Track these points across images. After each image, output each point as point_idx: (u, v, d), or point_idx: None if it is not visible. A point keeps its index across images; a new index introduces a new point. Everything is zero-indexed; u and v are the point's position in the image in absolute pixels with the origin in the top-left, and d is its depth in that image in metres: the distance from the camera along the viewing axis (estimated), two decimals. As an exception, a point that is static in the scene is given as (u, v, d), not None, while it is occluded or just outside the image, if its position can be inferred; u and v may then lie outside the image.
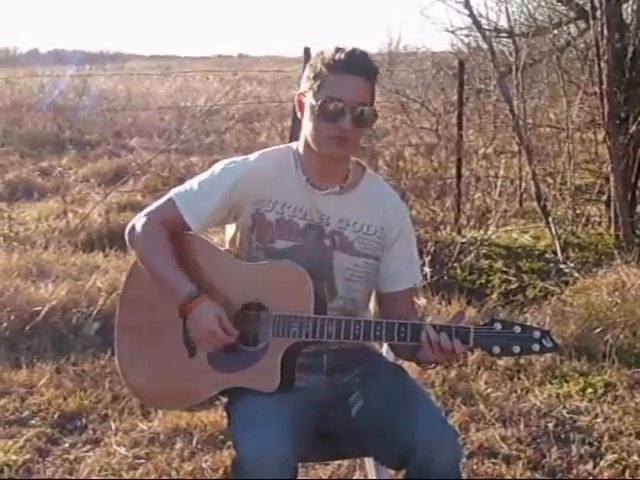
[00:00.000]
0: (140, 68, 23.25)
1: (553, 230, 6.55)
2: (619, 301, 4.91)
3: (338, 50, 2.37)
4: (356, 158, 2.57)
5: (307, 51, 7.13)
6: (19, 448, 3.52)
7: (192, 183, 2.50)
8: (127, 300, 2.59)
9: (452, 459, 2.22)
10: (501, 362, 4.37)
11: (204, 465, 3.39)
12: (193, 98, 14.60)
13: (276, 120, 11.97)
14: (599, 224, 7.02)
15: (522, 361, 4.38)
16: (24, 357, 4.40)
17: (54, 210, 7.65)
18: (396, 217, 2.55)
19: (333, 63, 2.35)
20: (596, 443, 3.62)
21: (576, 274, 5.69)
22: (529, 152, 6.95)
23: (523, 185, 7.65)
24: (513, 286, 5.63)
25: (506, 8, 8.09)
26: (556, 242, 6.38)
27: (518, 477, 3.33)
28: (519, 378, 4.26)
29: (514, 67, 7.17)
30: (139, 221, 2.50)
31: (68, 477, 3.36)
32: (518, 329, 2.20)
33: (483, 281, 5.74)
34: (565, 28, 8.13)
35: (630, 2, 7.06)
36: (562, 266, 5.97)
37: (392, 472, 2.73)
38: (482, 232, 6.41)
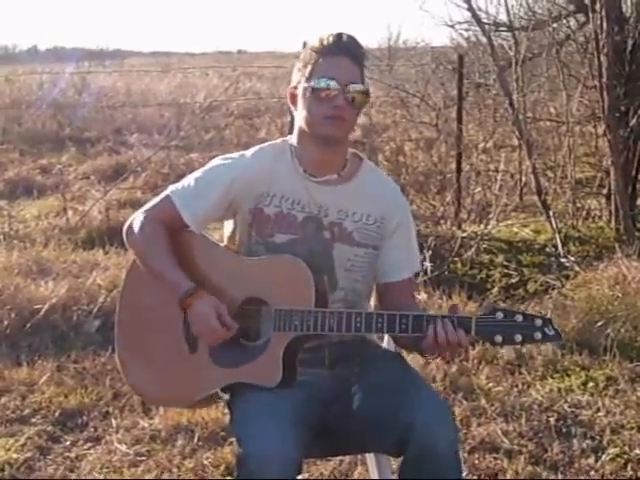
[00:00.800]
0: (139, 65, 23.18)
1: (554, 224, 6.54)
2: (620, 295, 4.90)
3: (329, 36, 2.41)
4: (353, 150, 2.57)
5: (306, 46, 7.12)
6: (20, 446, 3.53)
7: (189, 180, 2.50)
8: (127, 297, 2.59)
9: (451, 442, 2.22)
10: (502, 354, 4.37)
11: (205, 462, 3.39)
12: (192, 94, 14.57)
13: (276, 116, 11.94)
14: (600, 217, 7.02)
15: (523, 354, 4.38)
16: (25, 355, 4.40)
17: (54, 207, 7.65)
18: (396, 207, 2.55)
19: (322, 47, 2.39)
20: (598, 437, 3.62)
21: (577, 268, 5.68)
22: (529, 146, 6.94)
23: (523, 179, 7.65)
24: (514, 280, 5.62)
25: (505, 2, 8.05)
26: (557, 236, 6.37)
27: (520, 472, 3.32)
28: (520, 372, 4.26)
29: (514, 61, 7.16)
30: (136, 219, 2.49)
31: (69, 475, 3.36)
32: (520, 318, 2.19)
33: (484, 275, 5.73)
34: (565, 21, 8.11)
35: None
36: (563, 260, 5.96)
37: (394, 467, 2.74)
38: (482, 226, 6.41)
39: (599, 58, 6.25)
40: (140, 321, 2.52)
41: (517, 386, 4.12)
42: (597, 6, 6.21)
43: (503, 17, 8.43)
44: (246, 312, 2.38)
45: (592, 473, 3.36)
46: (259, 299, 2.37)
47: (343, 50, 2.39)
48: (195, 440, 3.55)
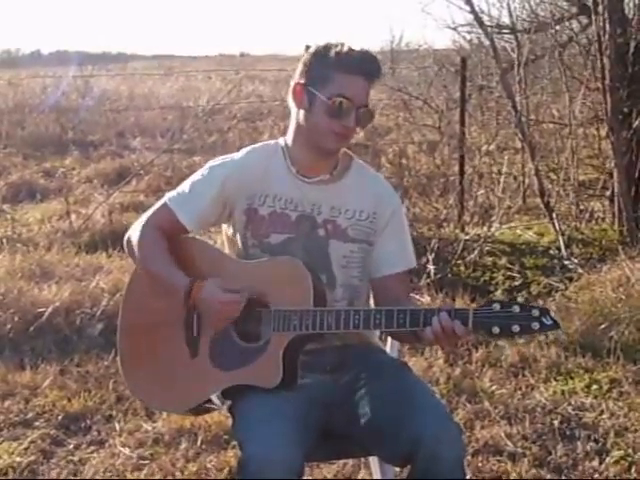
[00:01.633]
0: (142, 68, 23.26)
1: (557, 226, 6.54)
2: (624, 297, 4.90)
3: (351, 49, 2.40)
4: (344, 148, 2.58)
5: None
6: (23, 450, 3.52)
7: (184, 186, 2.54)
8: (130, 302, 2.60)
9: (457, 455, 2.23)
10: (505, 356, 4.37)
11: (209, 465, 3.39)
12: (195, 98, 14.57)
13: (278, 119, 11.92)
14: (603, 220, 7.01)
15: (527, 357, 4.38)
16: (28, 358, 4.39)
17: (57, 211, 7.65)
18: (387, 201, 2.57)
19: (347, 62, 2.37)
20: (602, 440, 3.61)
21: (580, 270, 5.67)
22: (532, 148, 6.93)
23: (526, 181, 7.63)
24: (517, 282, 5.62)
25: (508, 4, 8.07)
26: (560, 238, 6.36)
27: (524, 474, 3.32)
28: (524, 375, 4.26)
29: (516, 63, 7.16)
30: (135, 229, 2.53)
31: (72, 478, 3.35)
32: (517, 308, 2.17)
33: (487, 278, 5.73)
34: (567, 24, 8.10)
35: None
36: (566, 262, 5.95)
37: (397, 471, 2.73)
38: (485, 229, 6.41)
39: (602, 60, 6.24)
40: (142, 325, 2.53)
41: (521, 389, 4.11)
42: (600, 8, 6.20)
43: (506, 19, 8.44)
44: (246, 314, 2.39)
45: (596, 476, 3.35)
46: (258, 301, 2.37)
47: (364, 71, 2.39)
48: (198, 443, 3.55)
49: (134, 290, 2.59)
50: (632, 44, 6.60)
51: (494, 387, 4.09)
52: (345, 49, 2.40)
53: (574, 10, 7.81)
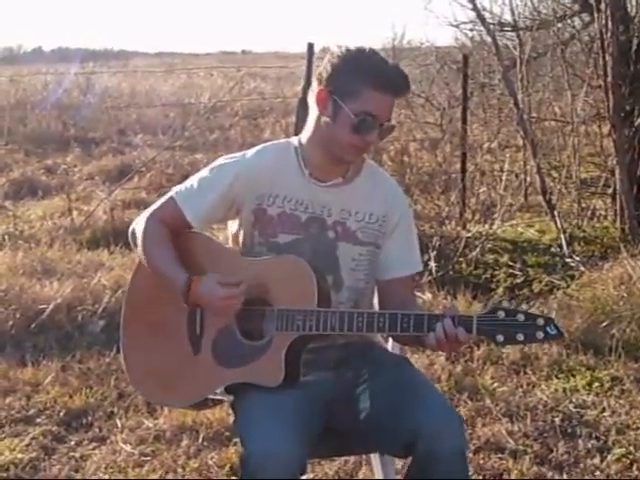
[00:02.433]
0: (144, 65, 23.21)
1: (558, 224, 6.53)
2: (625, 295, 4.89)
3: (385, 64, 2.35)
4: None
5: (311, 47, 7.13)
6: (25, 446, 3.53)
7: (192, 181, 2.51)
8: (132, 298, 2.59)
9: (458, 445, 2.23)
10: (507, 354, 4.37)
11: (210, 462, 3.39)
12: (197, 95, 14.57)
13: (280, 116, 11.91)
14: (605, 217, 7.01)
15: (528, 355, 4.38)
16: (29, 355, 4.40)
17: (59, 208, 7.66)
18: (397, 204, 2.56)
19: (378, 80, 2.33)
20: (603, 437, 3.61)
21: (582, 268, 5.67)
22: (534, 146, 6.93)
23: (528, 179, 7.64)
24: (519, 280, 5.61)
25: (510, 1, 8.11)
26: (562, 236, 6.36)
27: (525, 472, 3.31)
28: (525, 373, 4.26)
29: (518, 61, 7.15)
30: (140, 221, 2.51)
31: (74, 475, 3.36)
32: (522, 317, 2.18)
33: (489, 275, 5.72)
34: (569, 21, 8.10)
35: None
36: (568, 260, 5.95)
37: (398, 467, 2.74)
38: (487, 226, 6.41)
39: (604, 58, 6.24)
40: (144, 322, 2.53)
41: (522, 386, 4.11)
42: (602, 6, 6.19)
43: (508, 17, 8.43)
44: (249, 312, 2.38)
45: (597, 473, 3.35)
46: (262, 299, 2.37)
47: (394, 89, 2.36)
48: (200, 440, 3.55)
49: (137, 286, 2.59)
50: (634, 42, 6.61)
51: (495, 384, 4.09)
52: (377, 63, 2.35)
53: (576, 7, 7.81)
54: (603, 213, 7.07)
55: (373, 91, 2.32)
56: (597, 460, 3.42)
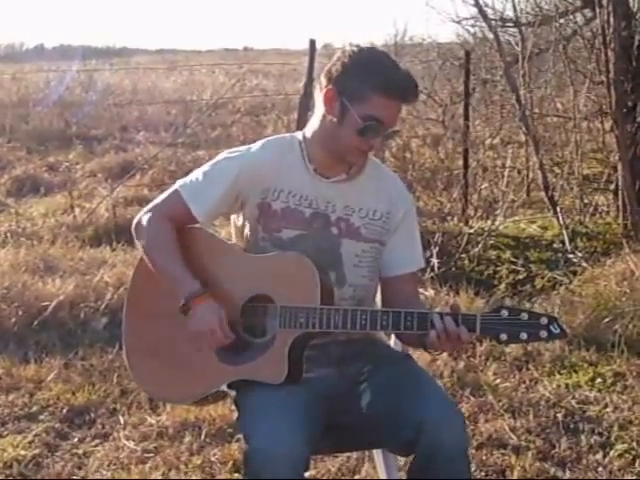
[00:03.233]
0: (146, 62, 23.21)
1: (561, 220, 6.53)
2: (628, 290, 4.89)
3: (396, 70, 2.35)
4: None
5: (312, 43, 7.12)
6: (28, 443, 3.53)
7: (197, 174, 2.50)
8: (135, 295, 2.59)
9: (460, 441, 2.24)
10: (509, 351, 4.37)
11: (213, 459, 3.39)
12: (199, 92, 14.58)
13: (282, 113, 11.89)
14: (607, 213, 7.00)
15: (531, 351, 4.38)
16: (32, 352, 4.40)
17: (61, 205, 7.66)
18: (401, 201, 2.56)
19: (389, 87, 2.31)
20: (606, 433, 3.61)
21: (584, 264, 5.67)
22: (536, 142, 6.92)
23: (530, 175, 7.63)
24: (521, 276, 5.61)
25: (512, -3, 8.05)
26: (564, 232, 6.36)
27: (527, 468, 3.31)
28: (528, 368, 4.26)
29: (520, 57, 7.15)
30: (145, 216, 2.49)
31: (77, 472, 3.36)
32: (525, 316, 2.19)
33: (491, 272, 5.72)
34: (571, 17, 8.08)
35: (636, -10, 7.02)
36: (570, 256, 5.95)
37: (400, 464, 2.74)
38: (489, 223, 6.40)
39: (606, 54, 6.23)
40: (147, 318, 2.52)
41: (524, 382, 4.11)
42: (604, 1, 6.19)
43: (510, 13, 8.42)
44: (252, 309, 2.39)
45: (600, 469, 3.35)
46: (265, 296, 2.37)
47: (403, 97, 2.36)
48: (202, 437, 3.55)
49: (139, 282, 2.58)
50: (636, 37, 6.59)
51: (498, 380, 4.09)
52: (389, 69, 2.33)
53: (578, 3, 7.80)
54: (605, 209, 7.07)
55: (382, 97, 2.31)
56: (600, 456, 3.42)
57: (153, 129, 12.01)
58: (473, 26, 9.07)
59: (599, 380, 4.13)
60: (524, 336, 2.18)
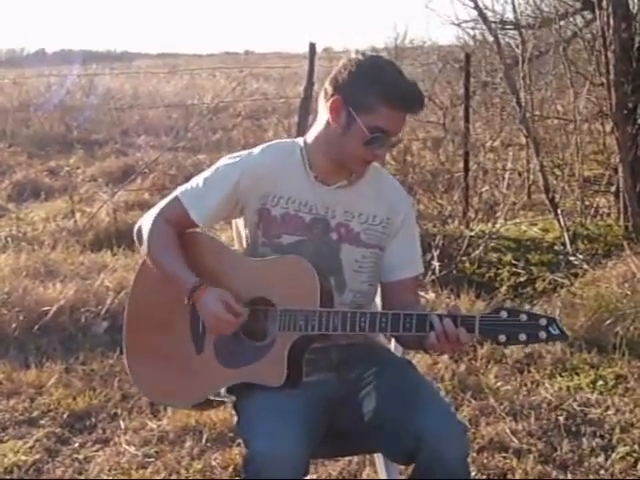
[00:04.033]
0: (147, 66, 23.26)
1: (562, 222, 6.53)
2: (629, 292, 4.88)
3: (403, 81, 2.34)
4: None
5: (313, 47, 7.12)
6: (29, 448, 3.53)
7: (197, 180, 2.51)
8: (135, 299, 2.60)
9: (460, 453, 2.23)
10: (510, 353, 4.36)
11: (214, 463, 3.39)
12: (200, 96, 14.58)
13: (283, 116, 11.91)
14: (608, 215, 6.99)
15: (532, 353, 4.37)
16: (33, 357, 4.40)
17: (62, 210, 7.65)
18: (401, 206, 2.55)
19: (395, 99, 2.32)
20: (607, 436, 3.61)
21: (585, 266, 5.66)
22: (536, 144, 6.92)
23: (531, 177, 7.62)
24: (522, 279, 5.61)
25: (512, 0, 8.05)
26: (565, 234, 6.35)
27: (529, 471, 3.31)
28: (529, 371, 4.25)
29: (520, 59, 7.14)
30: (146, 221, 2.52)
31: (78, 477, 3.36)
32: (524, 317, 2.18)
33: (492, 274, 5.72)
34: (571, 19, 8.08)
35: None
36: (571, 258, 5.94)
37: (401, 468, 2.73)
38: (490, 225, 6.40)
39: (606, 55, 6.23)
40: (148, 322, 2.53)
41: (526, 385, 4.10)
42: (604, 3, 6.19)
43: (510, 15, 8.41)
44: (252, 312, 2.39)
45: (602, 472, 3.34)
46: (265, 299, 2.37)
47: (410, 108, 2.37)
48: (203, 441, 3.55)
49: (140, 286, 2.59)
50: (637, 39, 6.59)
51: (499, 383, 4.09)
52: (395, 80, 2.33)
53: (578, 5, 7.79)
54: (606, 211, 7.06)
55: (389, 109, 2.32)
56: (601, 459, 3.41)
57: (154, 133, 12.02)
58: (473, 28, 9.08)
59: (600, 382, 4.12)
60: (523, 337, 2.17)
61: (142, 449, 3.52)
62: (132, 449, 3.52)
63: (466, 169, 7.16)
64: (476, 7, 7.57)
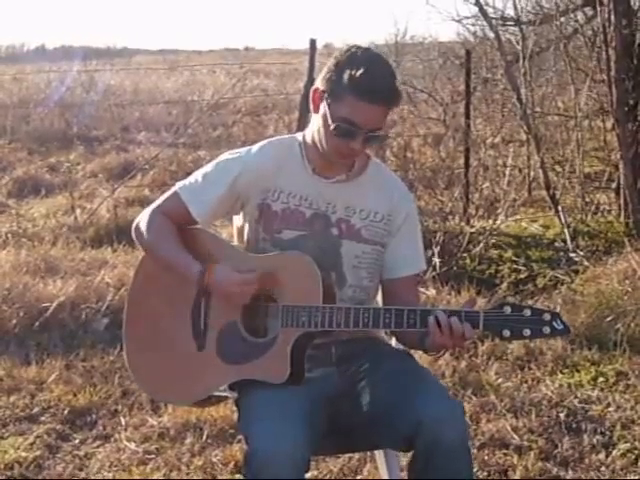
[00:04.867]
0: (147, 63, 23.20)
1: (562, 219, 6.53)
2: (630, 289, 4.88)
3: (373, 72, 2.29)
4: None
5: (313, 43, 7.12)
6: (29, 445, 3.53)
7: (196, 176, 2.50)
8: (135, 296, 2.59)
9: (459, 434, 2.23)
10: (511, 350, 4.36)
11: (214, 460, 3.39)
12: (200, 92, 14.56)
13: (283, 113, 11.92)
14: (609, 212, 6.99)
15: (533, 350, 4.37)
16: (33, 354, 4.40)
17: (62, 206, 7.66)
18: (403, 203, 2.55)
19: (358, 85, 2.28)
20: (608, 432, 3.60)
21: (586, 262, 5.66)
22: (537, 141, 6.92)
23: (532, 174, 7.62)
24: (523, 275, 5.61)
25: (513, -4, 8.05)
26: (565, 231, 6.35)
27: (530, 468, 3.31)
28: (530, 368, 4.25)
29: (521, 55, 7.15)
30: (144, 216, 2.51)
31: (78, 473, 3.36)
32: (528, 312, 2.18)
33: (493, 271, 5.72)
34: (572, 15, 8.08)
35: (637, -12, 7.01)
36: (572, 255, 5.94)
37: (403, 464, 2.73)
38: (491, 222, 6.39)
39: (607, 52, 6.23)
40: (148, 319, 2.53)
41: (527, 382, 4.10)
42: (605, -1, 6.19)
43: (510, 11, 8.43)
44: (254, 309, 2.38)
45: (602, 469, 3.34)
46: (267, 296, 2.37)
47: (378, 99, 2.30)
48: (204, 438, 3.55)
49: (140, 283, 2.59)
50: (638, 35, 6.59)
51: (500, 380, 4.09)
52: (366, 70, 2.27)
53: (579, 1, 7.79)
54: (607, 207, 7.06)
55: (355, 99, 2.28)
56: (602, 455, 3.41)
57: (154, 129, 12.01)
58: (474, 25, 9.10)
59: (601, 379, 4.12)
60: (527, 332, 2.18)
61: (142, 445, 3.52)
62: (132, 445, 3.52)
63: (467, 165, 7.16)
64: (477, 3, 7.57)
